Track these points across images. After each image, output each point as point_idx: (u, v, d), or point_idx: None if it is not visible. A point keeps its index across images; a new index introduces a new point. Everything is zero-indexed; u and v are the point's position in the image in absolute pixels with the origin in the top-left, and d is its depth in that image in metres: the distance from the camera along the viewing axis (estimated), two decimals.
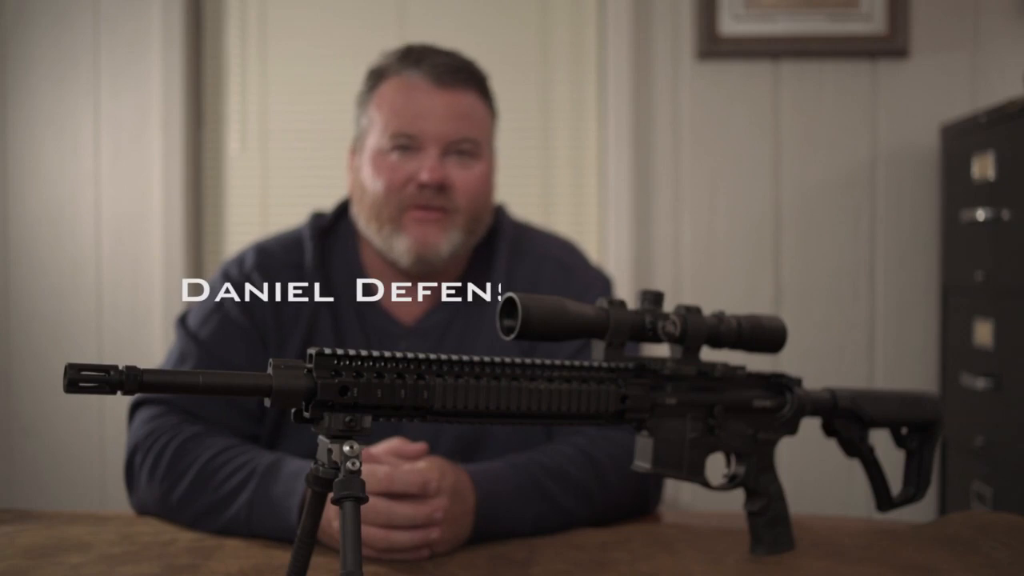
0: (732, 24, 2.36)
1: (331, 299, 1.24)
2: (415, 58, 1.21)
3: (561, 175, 2.49)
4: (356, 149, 1.26)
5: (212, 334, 1.21)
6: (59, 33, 2.45)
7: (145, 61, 2.43)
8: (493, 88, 1.29)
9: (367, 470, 0.90)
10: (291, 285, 1.23)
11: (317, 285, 1.23)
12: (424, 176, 1.17)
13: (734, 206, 2.41)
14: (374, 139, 1.21)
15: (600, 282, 1.31)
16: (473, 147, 1.21)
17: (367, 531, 0.91)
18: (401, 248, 1.20)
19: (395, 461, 0.98)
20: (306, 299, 1.23)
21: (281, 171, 2.47)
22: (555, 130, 2.48)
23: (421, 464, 0.96)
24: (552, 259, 1.30)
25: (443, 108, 1.19)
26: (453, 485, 0.97)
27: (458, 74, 1.21)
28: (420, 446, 1.01)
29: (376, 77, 1.24)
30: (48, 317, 2.45)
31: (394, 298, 1.26)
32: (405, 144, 1.19)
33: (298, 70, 2.47)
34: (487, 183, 1.25)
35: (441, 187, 1.18)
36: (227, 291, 1.23)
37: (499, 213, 1.33)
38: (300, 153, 2.46)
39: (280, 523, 0.99)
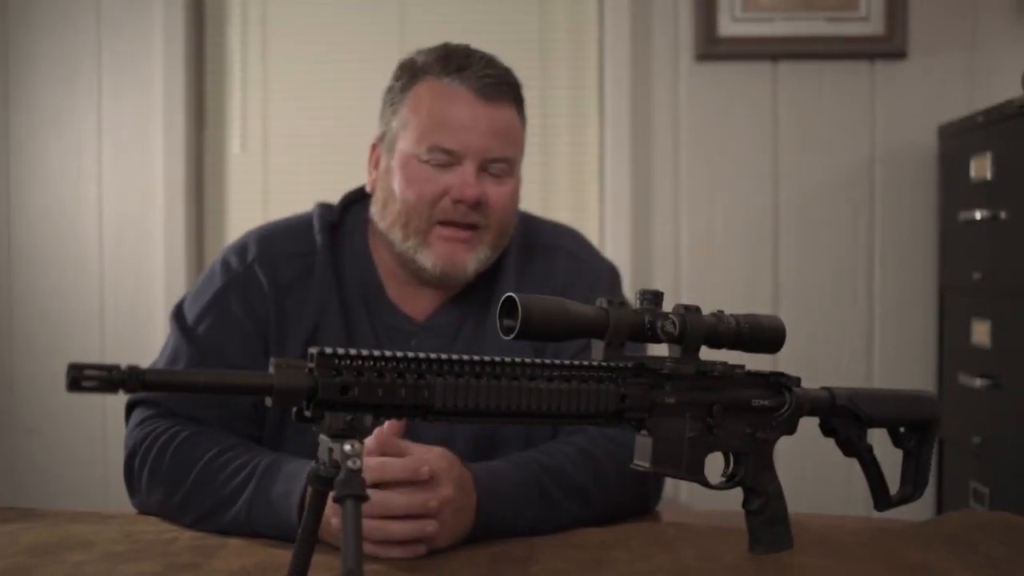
0: (731, 26, 2.37)
1: (339, 299, 1.21)
2: (457, 64, 1.17)
3: (561, 175, 2.49)
4: (384, 147, 1.22)
5: (208, 330, 1.18)
6: (61, 33, 2.45)
7: (147, 61, 2.44)
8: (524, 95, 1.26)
9: None
10: (298, 275, 1.20)
11: (327, 285, 1.20)
12: (463, 193, 1.15)
13: (733, 206, 2.42)
14: (407, 144, 1.18)
15: (609, 273, 1.31)
16: (509, 165, 1.19)
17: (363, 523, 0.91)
18: (427, 263, 1.18)
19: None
20: (313, 292, 1.20)
21: (282, 172, 2.48)
22: (555, 130, 2.49)
23: (429, 455, 0.95)
24: (563, 249, 1.29)
25: (485, 124, 1.16)
26: (459, 478, 0.97)
27: (500, 87, 1.18)
28: (398, 424, 0.97)
29: (412, 75, 1.20)
30: (50, 316, 2.45)
31: (405, 294, 1.24)
32: (443, 159, 1.16)
33: (299, 71, 2.48)
34: (517, 198, 1.23)
35: (477, 203, 1.16)
36: (228, 283, 1.20)
37: None
38: (301, 154, 2.47)
39: (280, 522, 0.99)
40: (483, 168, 1.17)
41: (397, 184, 1.18)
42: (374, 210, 1.23)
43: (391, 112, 1.21)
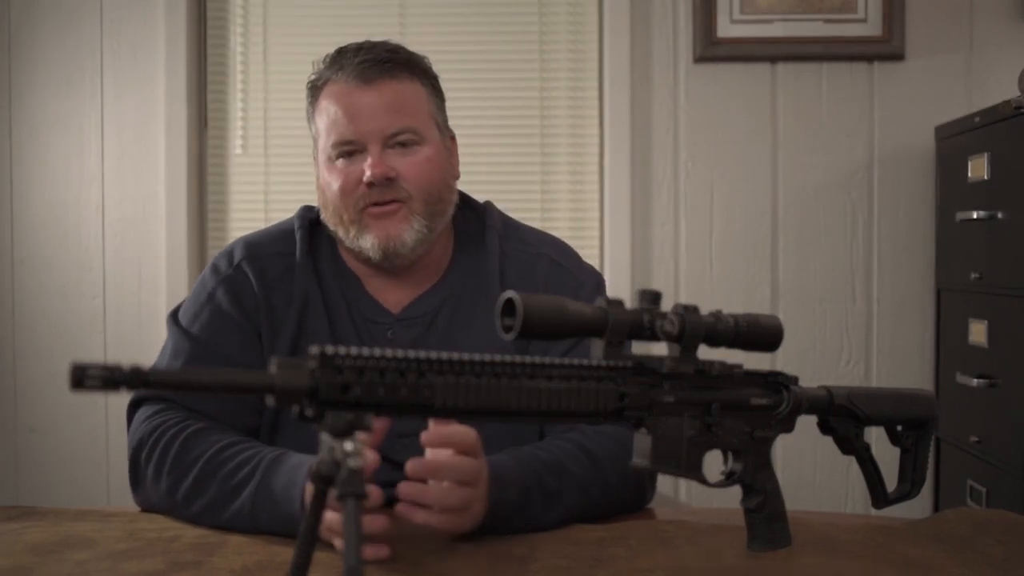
0: (729, 27, 2.38)
1: (319, 288, 1.25)
2: (340, 63, 1.23)
3: (561, 176, 2.50)
4: (315, 160, 1.29)
5: (204, 328, 1.22)
6: (65, 35, 2.46)
7: (149, 63, 2.45)
8: (431, 67, 1.28)
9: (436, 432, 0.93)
10: (282, 273, 1.25)
11: (307, 274, 1.25)
12: (367, 175, 1.19)
13: (732, 207, 2.42)
14: (322, 148, 1.24)
15: (592, 280, 1.32)
16: (413, 135, 1.22)
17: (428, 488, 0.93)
18: (368, 246, 1.22)
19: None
20: (296, 288, 1.24)
21: (283, 173, 2.49)
22: (555, 132, 2.49)
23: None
24: (545, 256, 1.30)
25: (373, 105, 1.20)
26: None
27: (383, 66, 1.22)
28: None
29: (314, 89, 1.26)
30: (53, 316, 2.46)
31: (381, 287, 1.27)
32: (348, 150, 1.21)
33: (300, 73, 2.46)
34: (436, 164, 1.24)
35: (387, 180, 1.20)
36: (218, 284, 1.24)
37: (487, 208, 1.33)
38: (302, 155, 2.47)
39: (283, 513, 1.00)
40: (389, 145, 1.21)
41: (325, 185, 1.24)
42: (322, 216, 1.28)
43: (310, 126, 1.28)
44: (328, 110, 1.22)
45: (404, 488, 0.93)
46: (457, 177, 1.31)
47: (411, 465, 0.92)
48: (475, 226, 1.31)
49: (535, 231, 1.37)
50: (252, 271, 1.24)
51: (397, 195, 1.21)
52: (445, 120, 1.29)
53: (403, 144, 1.21)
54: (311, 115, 1.27)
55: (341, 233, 1.24)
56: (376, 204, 1.21)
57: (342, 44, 1.27)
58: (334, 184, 1.22)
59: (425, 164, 1.22)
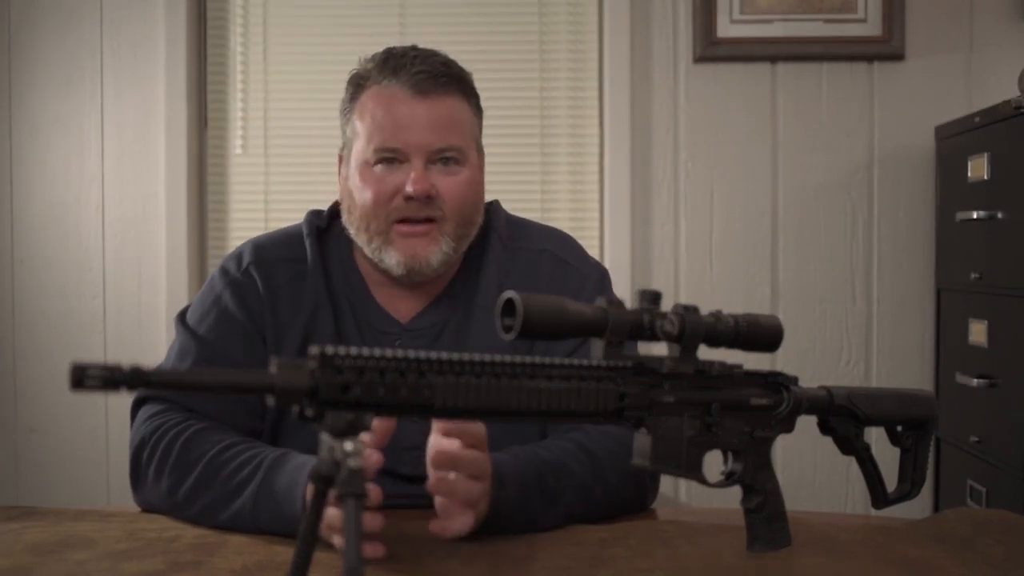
0: (729, 27, 2.38)
1: (328, 298, 1.24)
2: (393, 66, 1.21)
3: (561, 176, 2.50)
4: (343, 157, 1.27)
5: (210, 330, 1.22)
6: (65, 35, 2.46)
7: (149, 63, 2.45)
8: (476, 85, 1.28)
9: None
10: (290, 280, 1.24)
11: (318, 283, 1.24)
12: (410, 188, 1.18)
13: (732, 207, 2.42)
14: (359, 150, 1.22)
15: (597, 274, 1.31)
16: (458, 155, 1.21)
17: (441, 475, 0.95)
18: (391, 262, 1.20)
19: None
20: (307, 296, 1.24)
21: (283, 173, 2.49)
22: (555, 132, 2.50)
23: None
24: (547, 252, 1.30)
25: (425, 118, 1.19)
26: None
27: (438, 80, 1.20)
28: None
29: (357, 86, 1.25)
30: (53, 316, 2.47)
31: (389, 296, 1.26)
32: (389, 157, 1.20)
33: (301, 73, 2.49)
34: (474, 187, 1.24)
35: (428, 197, 1.18)
36: (225, 287, 1.24)
37: (492, 209, 1.33)
38: (302, 155, 2.48)
39: (284, 514, 1.00)
40: (432, 161, 1.20)
41: (355, 189, 1.22)
42: (343, 218, 1.27)
43: (345, 123, 1.27)
44: (375, 113, 1.20)
45: (434, 481, 0.95)
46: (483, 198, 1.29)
47: (433, 455, 0.94)
48: (483, 229, 1.29)
49: (539, 227, 1.36)
50: (259, 275, 1.24)
51: (432, 213, 1.19)
52: (480, 140, 1.28)
53: (446, 162, 1.20)
54: (348, 111, 1.25)
55: (363, 240, 1.22)
56: (407, 221, 1.19)
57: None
58: (367, 192, 1.20)
59: (464, 186, 1.22)
